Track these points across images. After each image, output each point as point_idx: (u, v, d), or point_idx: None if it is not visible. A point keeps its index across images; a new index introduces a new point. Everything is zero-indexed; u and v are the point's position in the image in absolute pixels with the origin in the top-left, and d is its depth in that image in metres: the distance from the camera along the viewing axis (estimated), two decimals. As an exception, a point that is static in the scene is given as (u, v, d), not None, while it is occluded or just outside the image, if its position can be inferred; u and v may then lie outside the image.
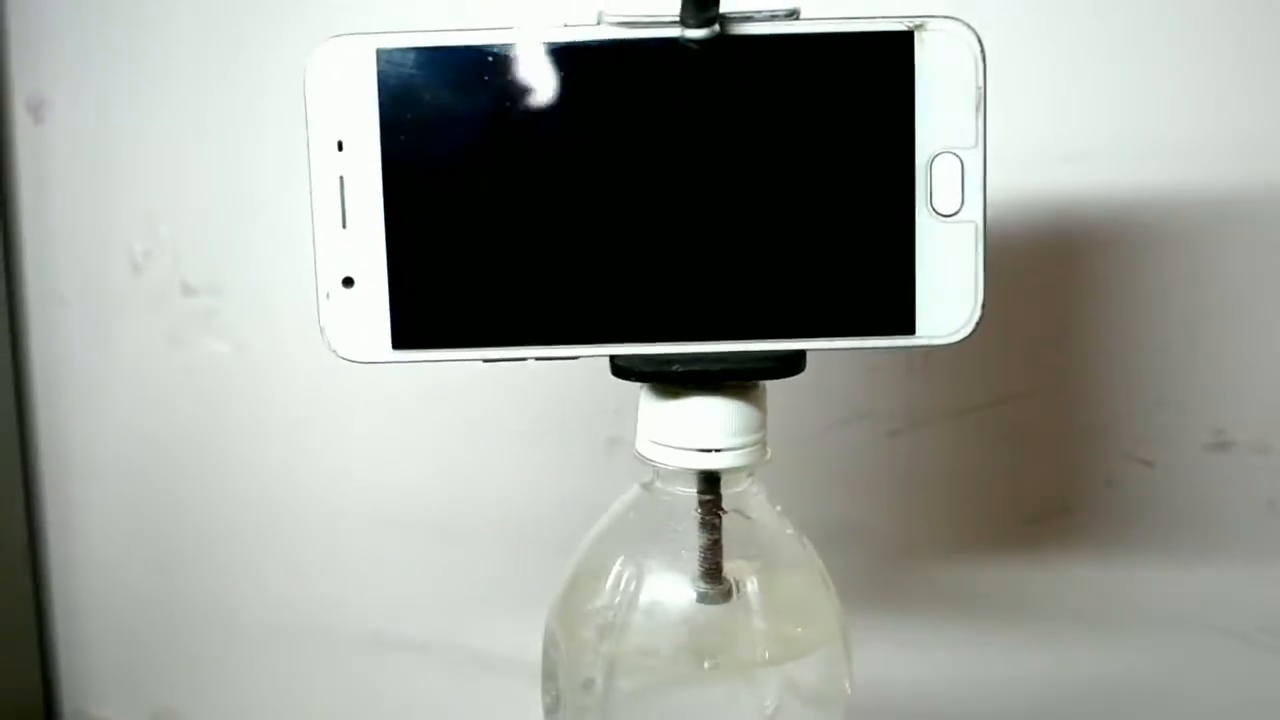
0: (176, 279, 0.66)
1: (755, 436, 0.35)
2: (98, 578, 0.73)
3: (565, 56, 0.32)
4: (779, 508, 0.38)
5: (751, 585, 0.37)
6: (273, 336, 0.65)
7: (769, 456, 0.37)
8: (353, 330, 0.34)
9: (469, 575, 0.65)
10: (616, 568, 0.37)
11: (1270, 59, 0.50)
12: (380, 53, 0.32)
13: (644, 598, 0.37)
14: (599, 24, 0.32)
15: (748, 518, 0.37)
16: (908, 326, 0.33)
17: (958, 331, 0.33)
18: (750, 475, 0.37)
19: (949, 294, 0.33)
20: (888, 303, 0.33)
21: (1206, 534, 0.55)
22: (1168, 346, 0.53)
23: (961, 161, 0.33)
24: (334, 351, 0.34)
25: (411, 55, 0.32)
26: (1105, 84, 0.52)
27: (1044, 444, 0.56)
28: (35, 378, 0.71)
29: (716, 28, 0.31)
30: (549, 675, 0.39)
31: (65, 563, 0.73)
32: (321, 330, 0.34)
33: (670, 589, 0.37)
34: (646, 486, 0.38)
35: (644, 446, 0.36)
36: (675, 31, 0.32)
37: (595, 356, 0.34)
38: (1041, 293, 0.54)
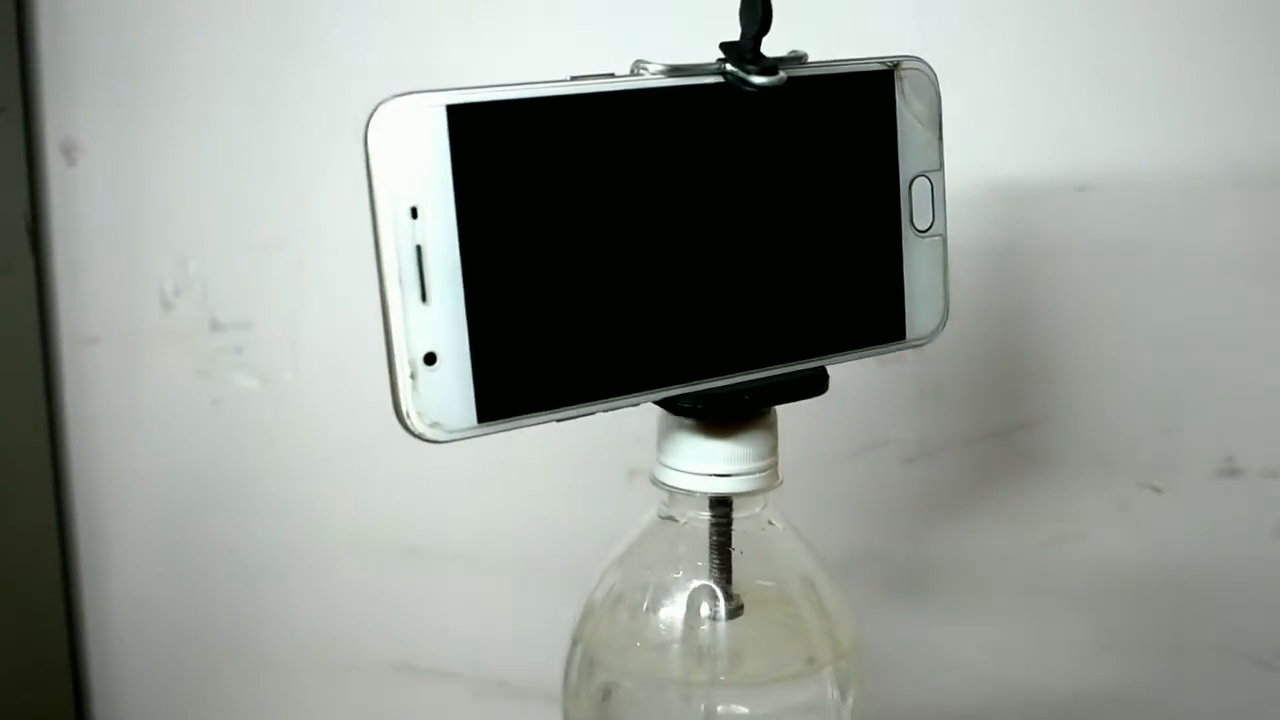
0: (205, 316, 0.67)
1: (766, 462, 0.36)
2: (129, 611, 0.73)
3: (629, 103, 0.31)
4: (793, 531, 0.39)
5: (760, 606, 0.38)
6: (301, 371, 0.66)
7: (780, 481, 0.38)
8: (437, 408, 0.31)
9: (493, 605, 0.66)
10: (633, 589, 0.39)
11: (1273, 82, 0.51)
12: (450, 110, 0.29)
13: (658, 618, 0.38)
14: (633, 73, 0.32)
15: (757, 541, 0.38)
16: (900, 333, 0.37)
17: (934, 332, 0.38)
18: (764, 500, 0.38)
19: (927, 300, 0.37)
20: (885, 313, 0.37)
21: (1217, 559, 0.55)
22: (1177, 373, 0.54)
23: (931, 183, 0.36)
24: (419, 435, 0.31)
25: (484, 110, 0.30)
26: (1111, 115, 0.52)
27: (1055, 471, 0.56)
28: (68, 415, 0.71)
29: (782, 75, 0.33)
30: (569, 695, 0.40)
31: (97, 597, 0.74)
32: (405, 416, 0.30)
33: (683, 609, 0.38)
34: (662, 511, 0.39)
35: (659, 471, 0.37)
36: (731, 79, 0.32)
37: (651, 401, 0.34)
38: (1052, 321, 0.55)
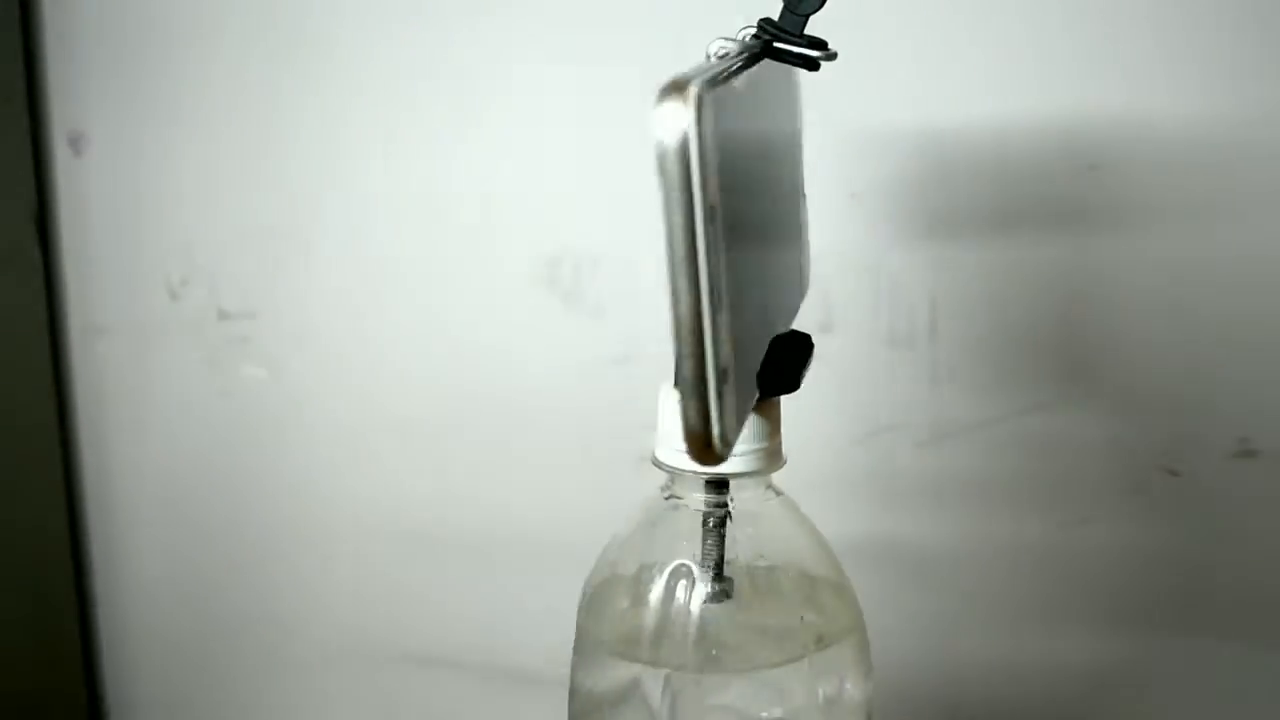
0: (213, 306, 0.67)
1: (761, 445, 0.36)
2: (140, 598, 0.74)
3: None
4: (797, 514, 0.39)
5: (756, 586, 0.38)
6: (308, 360, 0.66)
7: (782, 464, 0.37)
8: (731, 426, 0.27)
9: (502, 592, 0.66)
10: (634, 569, 0.39)
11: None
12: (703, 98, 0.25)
13: (657, 597, 0.38)
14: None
15: (757, 523, 0.38)
16: None
17: None
18: (768, 483, 0.38)
19: None
20: None
21: (1233, 542, 0.55)
22: (1192, 355, 0.53)
23: None
24: (719, 457, 0.27)
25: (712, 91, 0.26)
26: (1124, 96, 0.52)
27: (1070, 454, 0.56)
28: (77, 404, 0.72)
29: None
30: (576, 667, 0.40)
31: (108, 585, 0.74)
32: (713, 439, 0.27)
33: (681, 589, 0.38)
34: (664, 491, 0.39)
35: (659, 452, 0.37)
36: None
37: None
38: (1065, 303, 0.54)
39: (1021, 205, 0.54)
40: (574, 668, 0.40)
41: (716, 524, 0.37)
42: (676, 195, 0.25)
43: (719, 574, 0.37)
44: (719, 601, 0.37)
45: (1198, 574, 0.55)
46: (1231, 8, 0.50)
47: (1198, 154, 0.51)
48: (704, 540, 0.37)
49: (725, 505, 0.37)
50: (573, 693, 0.40)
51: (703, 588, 0.37)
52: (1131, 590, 0.56)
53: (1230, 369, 0.53)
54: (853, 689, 0.39)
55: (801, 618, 0.38)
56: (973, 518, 0.57)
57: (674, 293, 0.25)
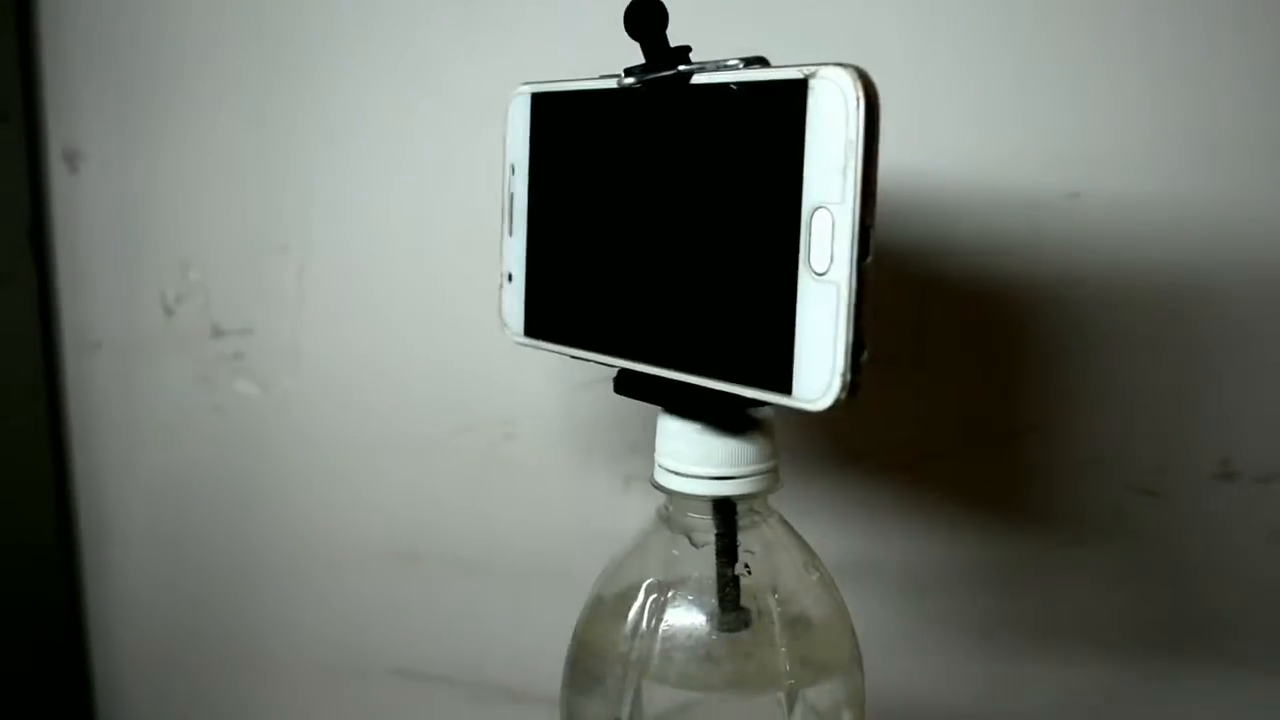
0: (207, 322, 0.68)
1: (765, 465, 0.37)
2: (132, 615, 0.74)
3: (598, 101, 0.37)
4: (793, 536, 0.39)
5: (766, 611, 0.38)
6: (301, 378, 0.67)
7: (781, 485, 0.38)
8: (510, 315, 0.41)
9: (492, 610, 0.66)
10: (635, 593, 0.39)
11: (1266, 91, 0.51)
12: (534, 96, 0.40)
13: (660, 622, 0.38)
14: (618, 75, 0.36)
15: (758, 545, 0.38)
16: (786, 385, 0.31)
17: (820, 399, 0.30)
18: (765, 504, 0.39)
19: (815, 357, 0.30)
20: (769, 357, 0.31)
21: (1212, 564, 0.55)
22: (1172, 378, 0.54)
23: (833, 218, 0.29)
24: (505, 326, 0.42)
25: (546, 98, 0.39)
26: (1104, 125, 0.53)
27: (1051, 476, 0.56)
28: (71, 420, 0.72)
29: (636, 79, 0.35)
30: (565, 698, 0.40)
31: (100, 601, 0.74)
32: (499, 311, 0.42)
33: (684, 615, 0.38)
34: (663, 514, 0.39)
35: (659, 474, 0.38)
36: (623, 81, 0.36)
37: (619, 366, 0.37)
38: (1045, 326, 0.55)
39: (1004, 231, 0.54)
40: (571, 690, 0.40)
41: (724, 548, 0.37)
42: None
43: (732, 600, 0.37)
44: (735, 630, 0.37)
45: (1178, 595, 0.56)
46: (1217, 33, 0.51)
47: (1180, 181, 0.52)
48: (716, 566, 0.37)
49: (733, 528, 0.37)
50: (567, 714, 0.41)
51: (710, 613, 0.37)
52: (1113, 611, 0.57)
53: (1210, 392, 0.54)
54: (850, 711, 0.39)
55: (804, 643, 0.39)
56: (956, 540, 0.58)
57: None
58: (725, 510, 0.37)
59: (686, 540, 0.38)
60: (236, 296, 0.67)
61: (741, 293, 0.32)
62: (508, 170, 0.41)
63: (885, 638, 0.57)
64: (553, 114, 0.39)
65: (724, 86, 0.32)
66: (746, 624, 0.37)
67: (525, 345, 0.41)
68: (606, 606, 0.40)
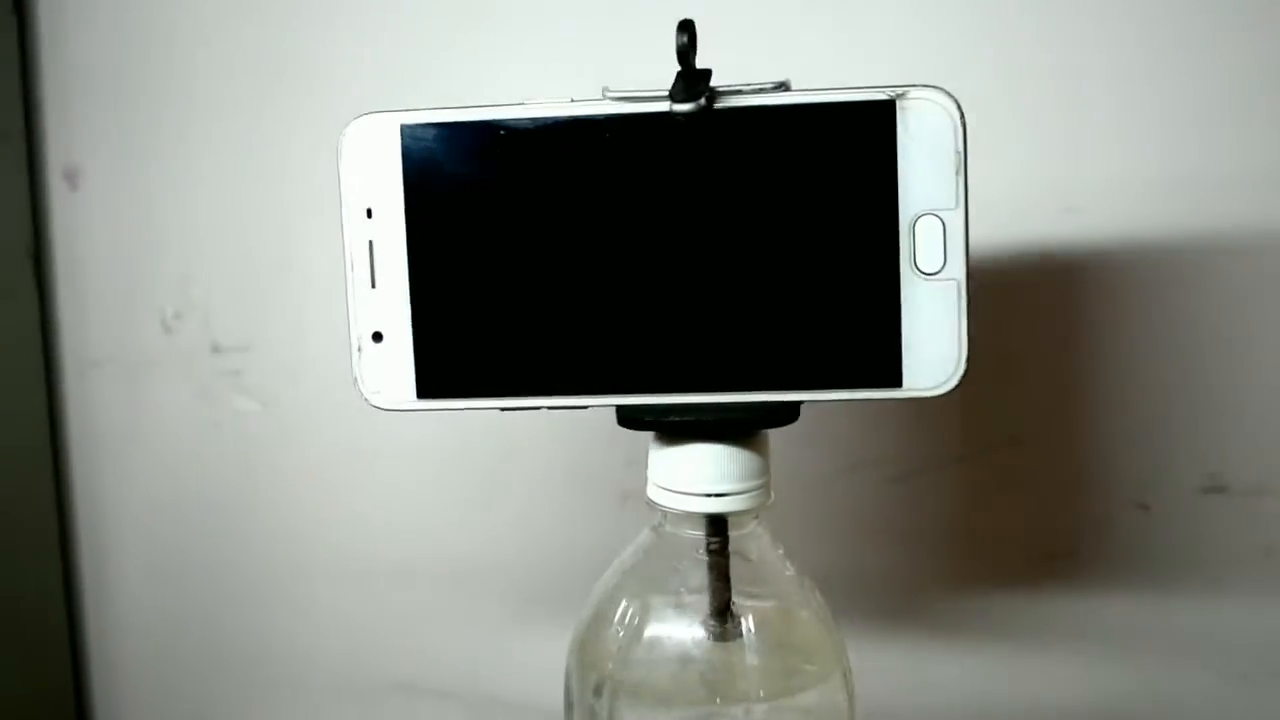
0: (206, 339, 0.68)
1: (758, 481, 0.37)
2: (131, 631, 0.74)
3: (570, 129, 0.34)
4: (781, 550, 0.40)
5: (754, 623, 0.38)
6: (299, 394, 0.67)
7: (772, 500, 0.38)
8: (382, 381, 0.36)
9: (489, 623, 0.66)
10: (629, 607, 0.39)
11: (1255, 101, 0.51)
12: (404, 128, 0.35)
13: (652, 635, 0.38)
14: (602, 98, 0.34)
15: (749, 559, 0.38)
16: (896, 380, 0.34)
17: (944, 383, 0.34)
18: (755, 518, 0.39)
19: (933, 348, 0.34)
20: (876, 358, 0.34)
21: (1203, 577, 0.55)
22: (1163, 391, 0.54)
23: (943, 222, 0.34)
24: (366, 400, 0.36)
25: (431, 130, 0.35)
26: (1093, 139, 0.53)
27: (1042, 489, 0.56)
28: (71, 436, 0.72)
29: (703, 101, 0.33)
30: (568, 710, 0.41)
31: (100, 617, 0.74)
32: (355, 380, 0.36)
33: (677, 627, 0.38)
34: (657, 530, 0.39)
35: (653, 492, 0.38)
36: (666, 105, 0.33)
37: (601, 406, 0.36)
38: (1037, 340, 0.55)
39: (998, 244, 0.55)
40: (570, 701, 0.40)
41: (717, 563, 0.37)
42: (340, 194, 0.36)
43: (724, 613, 0.38)
44: (725, 641, 0.38)
45: (1167, 608, 0.56)
46: (1212, 52, 0.51)
47: (1174, 196, 0.52)
48: (709, 580, 0.37)
49: (725, 543, 0.37)
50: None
51: (704, 626, 0.38)
52: (1103, 624, 0.57)
53: (1200, 405, 0.54)
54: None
55: (792, 655, 0.39)
56: (946, 551, 0.58)
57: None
58: (718, 525, 0.37)
59: (681, 554, 0.39)
60: (235, 313, 0.68)
61: (837, 302, 0.34)
62: (356, 214, 0.35)
63: (874, 649, 0.58)
64: (463, 145, 0.35)
65: (782, 109, 0.33)
66: (738, 634, 0.38)
67: (412, 411, 0.36)
68: (603, 620, 0.40)
